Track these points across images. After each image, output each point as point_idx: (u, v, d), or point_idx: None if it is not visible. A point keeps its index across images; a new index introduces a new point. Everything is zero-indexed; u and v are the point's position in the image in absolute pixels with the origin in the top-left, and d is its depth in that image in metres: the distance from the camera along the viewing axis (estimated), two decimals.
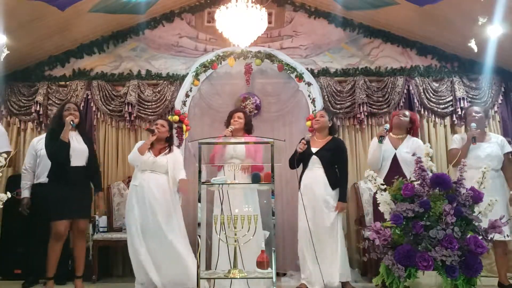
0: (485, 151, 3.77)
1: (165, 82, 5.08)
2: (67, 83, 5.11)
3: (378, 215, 3.41)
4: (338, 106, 5.00)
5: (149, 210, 3.69)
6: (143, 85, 5.06)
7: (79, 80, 5.10)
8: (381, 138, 3.73)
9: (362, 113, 4.92)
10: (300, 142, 3.77)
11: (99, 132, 5.04)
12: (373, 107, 4.96)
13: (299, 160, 3.77)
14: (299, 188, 3.81)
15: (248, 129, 4.04)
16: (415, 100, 4.99)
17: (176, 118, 4.78)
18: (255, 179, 3.13)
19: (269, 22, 4.62)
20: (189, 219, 4.67)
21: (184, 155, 4.83)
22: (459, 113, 4.90)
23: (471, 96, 4.98)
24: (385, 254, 2.36)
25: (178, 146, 4.78)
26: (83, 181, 3.73)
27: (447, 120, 5.02)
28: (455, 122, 4.96)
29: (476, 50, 4.18)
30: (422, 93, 5.00)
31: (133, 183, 3.84)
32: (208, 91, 5.00)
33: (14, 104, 5.06)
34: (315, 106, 4.80)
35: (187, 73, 4.97)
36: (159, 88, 5.06)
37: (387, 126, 3.87)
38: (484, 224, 2.47)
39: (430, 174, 2.54)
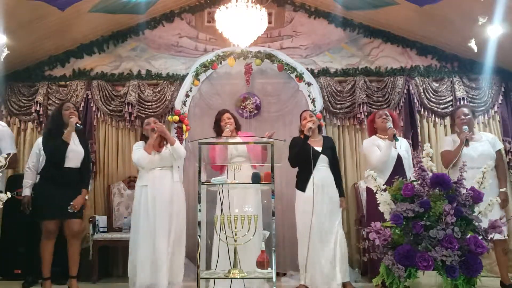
0: (477, 150, 3.74)
1: (165, 82, 5.08)
2: (67, 83, 5.11)
3: (372, 215, 3.41)
4: (338, 106, 5.00)
5: (159, 210, 3.70)
6: (143, 85, 5.06)
7: (79, 80, 5.10)
8: (395, 136, 3.69)
9: (362, 113, 4.92)
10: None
11: (99, 132, 5.04)
12: (373, 107, 4.96)
13: (302, 158, 3.76)
14: (298, 188, 3.81)
15: (238, 127, 4.13)
16: (415, 100, 4.99)
17: (176, 118, 4.78)
18: (255, 179, 3.13)
19: (269, 22, 4.62)
20: (190, 220, 4.70)
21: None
22: None
23: (471, 96, 4.99)
24: (385, 254, 2.36)
25: None
26: (75, 183, 3.72)
27: (447, 120, 5.02)
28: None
29: (476, 50, 4.18)
30: (422, 93, 5.01)
31: (141, 184, 3.84)
32: (208, 91, 5.00)
33: (14, 104, 5.06)
34: (315, 106, 4.80)
35: (187, 73, 4.97)
36: (159, 88, 5.06)
37: (391, 124, 3.82)
38: (484, 224, 2.47)
39: (430, 174, 2.54)
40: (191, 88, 4.90)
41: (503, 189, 3.72)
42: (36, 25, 4.42)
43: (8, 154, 3.30)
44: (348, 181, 4.90)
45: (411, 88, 5.03)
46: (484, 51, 4.46)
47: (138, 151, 3.88)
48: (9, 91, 5.09)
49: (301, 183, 3.81)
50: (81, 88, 5.06)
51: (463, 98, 4.93)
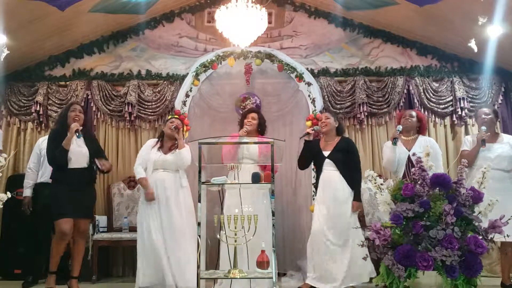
0: (496, 151, 3.74)
1: (165, 82, 5.08)
2: (67, 83, 5.11)
3: None
4: (338, 106, 5.00)
5: (162, 210, 3.69)
6: (143, 85, 5.06)
7: (79, 80, 5.10)
8: (395, 140, 3.73)
9: (362, 113, 4.92)
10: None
11: (99, 132, 5.04)
12: (373, 107, 4.96)
13: (309, 160, 3.74)
14: (315, 191, 3.80)
15: (261, 129, 4.02)
16: (415, 100, 4.99)
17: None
18: (255, 179, 3.13)
19: (269, 22, 4.62)
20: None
21: None
22: (459, 113, 4.91)
23: (471, 96, 4.99)
24: (385, 254, 2.36)
25: None
26: (84, 183, 3.70)
27: (447, 120, 5.02)
28: (455, 122, 4.96)
29: (476, 50, 4.18)
30: (422, 93, 5.00)
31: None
32: (208, 91, 5.00)
33: (14, 104, 5.06)
34: (315, 106, 4.80)
35: (187, 73, 4.96)
36: (159, 88, 5.06)
37: (400, 127, 3.84)
38: (484, 224, 2.47)
39: (430, 174, 2.54)
40: (191, 88, 4.89)
41: None
42: (36, 25, 4.42)
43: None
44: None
45: (411, 88, 5.03)
46: (484, 51, 4.45)
47: (146, 150, 3.89)
48: (9, 91, 5.09)
49: (316, 186, 3.83)
50: (81, 88, 5.06)
51: (463, 98, 4.93)
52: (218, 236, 2.99)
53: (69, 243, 3.74)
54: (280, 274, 4.35)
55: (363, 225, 4.49)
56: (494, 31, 4.07)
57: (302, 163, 3.88)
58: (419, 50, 5.18)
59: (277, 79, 5.00)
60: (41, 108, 4.95)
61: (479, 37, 4.16)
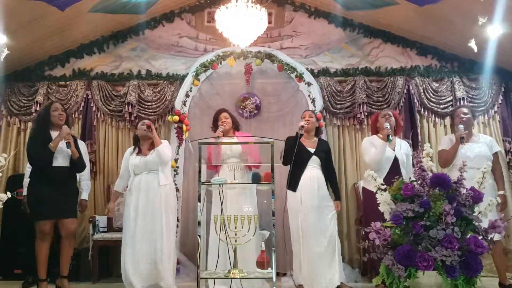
0: (474, 151, 3.74)
1: (165, 82, 5.08)
2: (67, 83, 5.12)
3: (369, 215, 3.41)
4: (338, 106, 5.00)
5: (142, 212, 3.66)
6: (143, 85, 5.06)
7: (79, 80, 5.10)
8: (389, 137, 3.69)
9: (362, 113, 4.93)
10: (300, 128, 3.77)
11: (99, 132, 5.04)
12: (373, 107, 4.96)
13: (290, 156, 3.73)
14: (289, 188, 3.77)
15: (236, 126, 4.07)
16: (415, 100, 4.99)
17: (176, 118, 4.77)
18: (255, 179, 3.13)
19: (269, 22, 4.63)
20: (190, 220, 4.71)
21: (184, 155, 4.84)
22: None
23: (471, 96, 4.99)
24: (385, 254, 2.36)
25: (178, 146, 4.79)
26: (66, 181, 3.68)
27: (447, 120, 5.01)
28: None
29: (476, 50, 4.18)
30: (422, 93, 5.00)
31: (128, 188, 3.83)
32: (208, 91, 5.00)
33: (14, 104, 5.06)
34: (315, 106, 4.80)
35: (187, 73, 4.97)
36: (159, 88, 5.06)
37: (388, 124, 3.81)
38: (484, 224, 2.47)
39: (430, 174, 2.54)
40: (191, 88, 4.90)
41: (501, 192, 3.70)
42: (36, 25, 4.43)
43: None
44: (348, 181, 4.90)
45: (411, 88, 5.03)
46: (484, 51, 4.46)
47: (125, 160, 3.88)
48: (9, 91, 5.09)
49: (292, 183, 3.76)
50: (81, 88, 5.06)
51: (463, 98, 4.92)
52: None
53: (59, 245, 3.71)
54: (280, 274, 4.36)
55: (363, 225, 4.49)
56: (494, 31, 4.08)
57: (290, 158, 3.79)
58: (419, 50, 5.18)
59: (277, 79, 5.00)
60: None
61: (479, 37, 4.16)
